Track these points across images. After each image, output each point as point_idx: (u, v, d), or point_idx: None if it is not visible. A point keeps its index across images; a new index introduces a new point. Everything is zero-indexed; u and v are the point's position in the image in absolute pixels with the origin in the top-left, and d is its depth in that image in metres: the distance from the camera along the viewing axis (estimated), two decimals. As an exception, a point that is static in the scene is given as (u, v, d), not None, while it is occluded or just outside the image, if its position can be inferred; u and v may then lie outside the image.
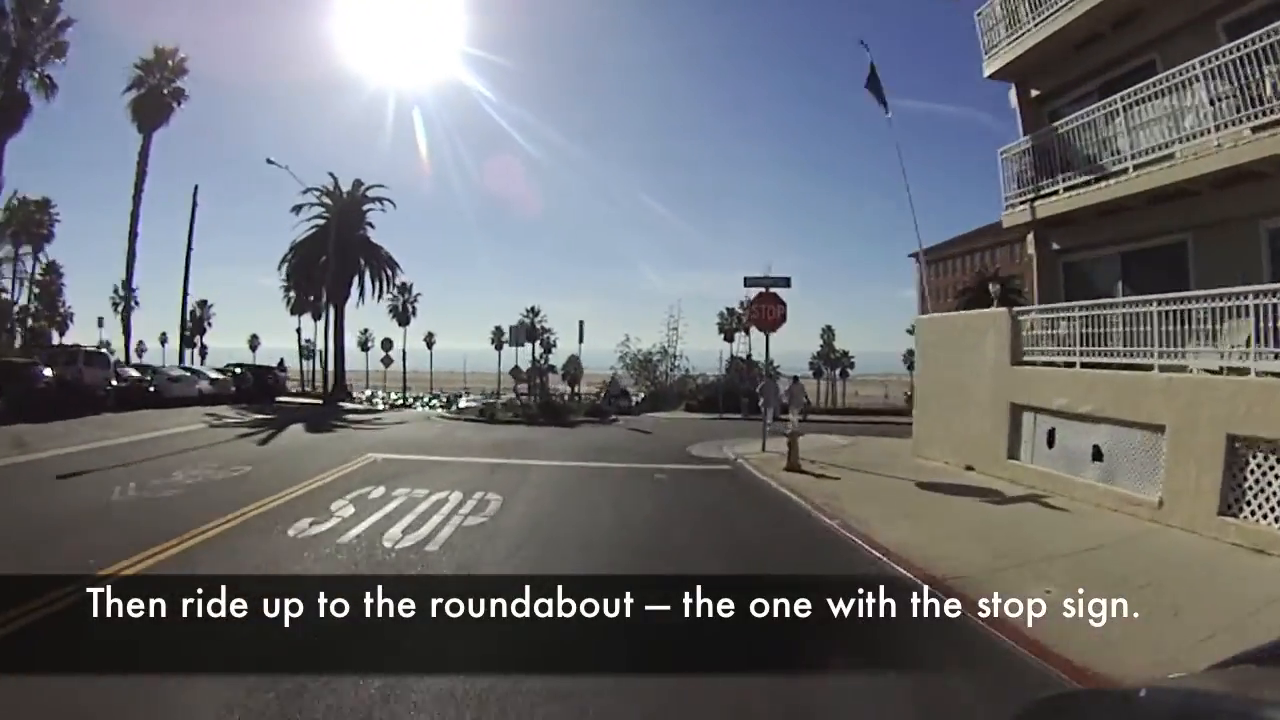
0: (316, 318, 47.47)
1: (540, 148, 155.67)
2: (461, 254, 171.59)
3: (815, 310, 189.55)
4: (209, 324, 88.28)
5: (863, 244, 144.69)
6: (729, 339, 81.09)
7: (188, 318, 46.26)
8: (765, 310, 15.00)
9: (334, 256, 41.55)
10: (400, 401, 46.74)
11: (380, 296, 46.34)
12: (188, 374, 28.69)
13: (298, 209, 43.83)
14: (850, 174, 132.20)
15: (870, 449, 15.25)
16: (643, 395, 44.68)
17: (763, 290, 15.01)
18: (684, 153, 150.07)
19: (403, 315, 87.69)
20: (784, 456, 12.43)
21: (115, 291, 59.46)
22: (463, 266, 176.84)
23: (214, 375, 30.53)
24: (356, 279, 44.43)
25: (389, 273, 46.70)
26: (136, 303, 47.34)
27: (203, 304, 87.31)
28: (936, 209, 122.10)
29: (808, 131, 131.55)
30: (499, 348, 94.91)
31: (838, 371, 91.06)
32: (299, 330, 61.64)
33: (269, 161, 36.11)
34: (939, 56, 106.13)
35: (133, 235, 40.63)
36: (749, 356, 55.43)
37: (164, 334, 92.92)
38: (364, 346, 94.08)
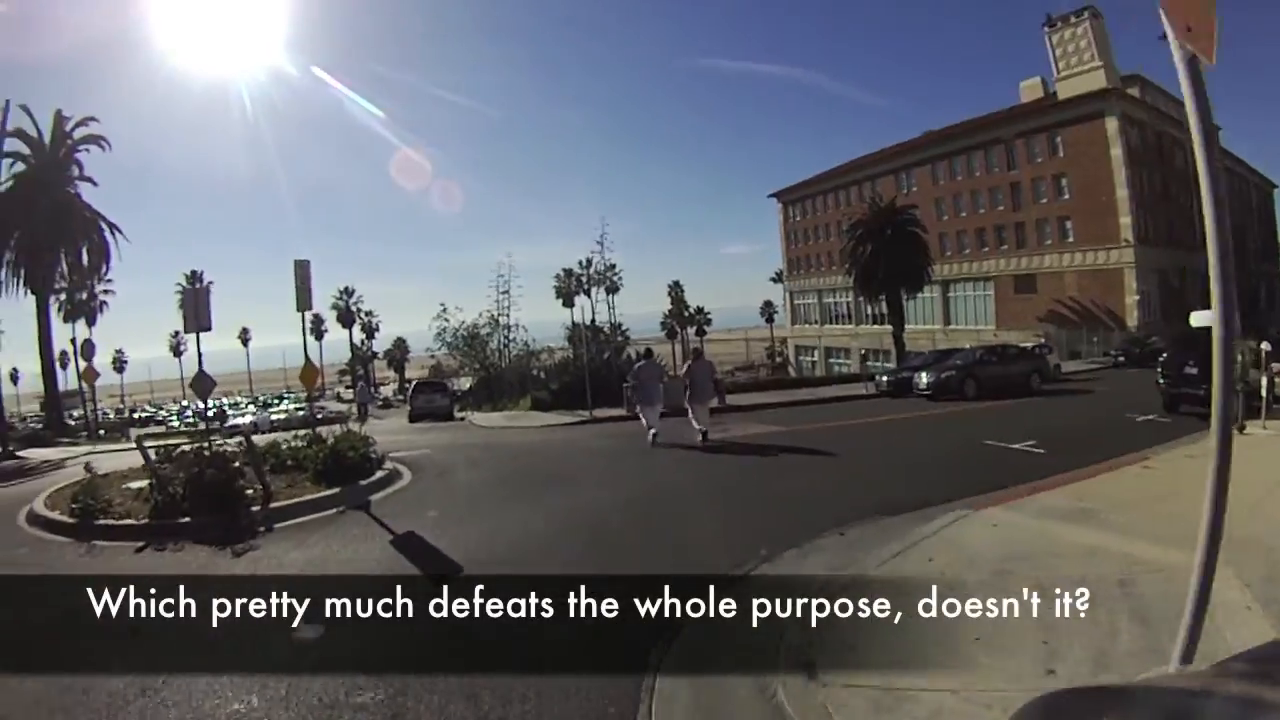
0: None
1: (351, 125, 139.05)
2: (272, 241, 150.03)
3: (656, 271, 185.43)
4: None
5: (692, 204, 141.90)
6: (569, 304, 69.81)
7: None
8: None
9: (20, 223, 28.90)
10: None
11: (95, 279, 33.52)
12: None
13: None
14: (671, 138, 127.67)
15: None
16: (470, 384, 34.10)
17: None
18: (501, 123, 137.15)
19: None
20: None
21: None
22: (275, 254, 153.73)
23: None
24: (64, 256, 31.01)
25: (104, 243, 32.72)
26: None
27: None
28: (768, 164, 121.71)
29: (626, 98, 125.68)
30: (319, 338, 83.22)
31: (694, 330, 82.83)
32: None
33: None
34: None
35: None
36: (594, 322, 47.51)
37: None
38: (176, 352, 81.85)
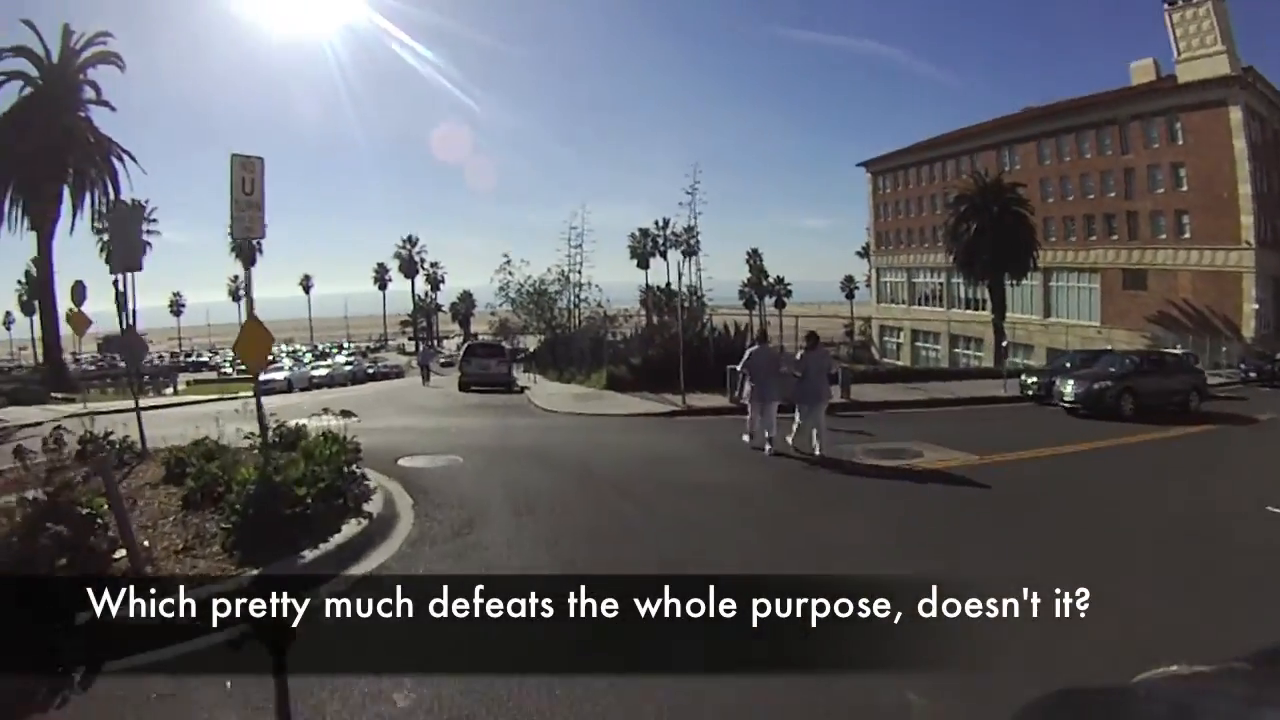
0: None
1: (430, 77, 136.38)
2: (339, 188, 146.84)
3: (730, 240, 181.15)
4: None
5: (772, 173, 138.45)
6: (643, 265, 67.69)
7: None
8: None
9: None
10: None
11: (98, 214, 29.70)
12: None
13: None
14: (753, 106, 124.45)
15: None
16: (535, 345, 30.58)
17: None
18: (582, 80, 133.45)
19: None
20: None
21: None
22: (340, 202, 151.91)
23: None
24: (70, 186, 27.79)
25: (112, 171, 29.28)
26: None
27: None
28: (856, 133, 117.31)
29: (708, 65, 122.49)
30: (383, 287, 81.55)
31: (772, 301, 78.31)
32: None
33: None
34: None
35: None
36: (669, 286, 42.60)
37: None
38: (235, 296, 78.48)
